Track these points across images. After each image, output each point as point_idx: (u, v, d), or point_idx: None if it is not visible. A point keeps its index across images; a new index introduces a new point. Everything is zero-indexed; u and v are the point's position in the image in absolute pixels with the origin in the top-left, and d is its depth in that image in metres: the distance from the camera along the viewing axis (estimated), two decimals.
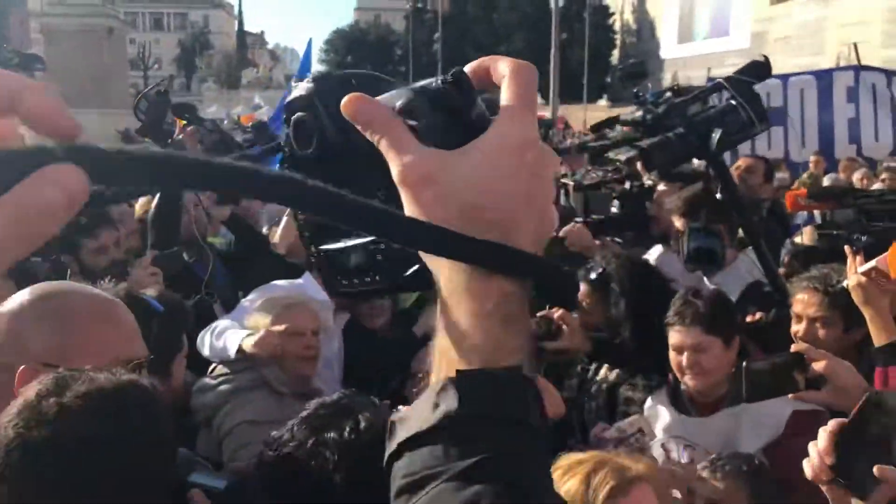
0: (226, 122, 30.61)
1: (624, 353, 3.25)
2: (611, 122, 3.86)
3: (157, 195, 3.90)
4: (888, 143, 8.95)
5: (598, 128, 4.50)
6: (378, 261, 0.77)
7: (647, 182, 4.24)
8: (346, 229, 0.76)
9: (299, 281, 3.53)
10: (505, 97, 0.70)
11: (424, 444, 0.67)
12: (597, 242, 3.82)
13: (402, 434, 0.68)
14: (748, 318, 3.40)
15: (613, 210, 3.79)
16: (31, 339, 1.49)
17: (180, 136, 3.59)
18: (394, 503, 0.69)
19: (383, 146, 0.68)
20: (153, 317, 2.17)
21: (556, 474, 1.69)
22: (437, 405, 0.66)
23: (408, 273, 0.75)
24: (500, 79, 0.71)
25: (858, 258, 2.52)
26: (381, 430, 1.56)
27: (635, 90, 3.53)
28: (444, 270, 0.69)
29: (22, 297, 1.55)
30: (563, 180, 3.95)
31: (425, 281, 0.72)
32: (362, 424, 1.57)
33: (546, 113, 25.81)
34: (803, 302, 2.97)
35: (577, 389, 3.38)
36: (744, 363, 2.27)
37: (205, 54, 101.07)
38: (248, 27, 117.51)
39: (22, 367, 1.42)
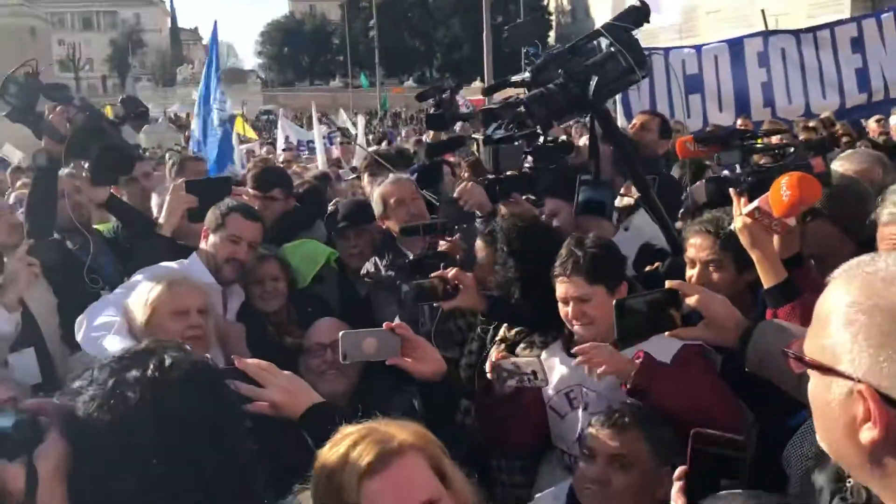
0: (160, 120, 30.15)
1: (520, 311, 3.26)
2: (503, 85, 3.83)
3: (32, 182, 3.81)
4: (800, 104, 9.16)
5: (490, 91, 4.46)
6: None
7: (562, 137, 4.19)
8: None
9: (185, 262, 3.49)
10: None
11: None
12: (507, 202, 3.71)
13: None
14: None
15: (526, 166, 3.74)
16: None
17: (50, 117, 3.50)
18: None
19: None
20: None
21: (325, 448, 1.68)
22: None
23: None
24: None
25: (743, 199, 2.55)
26: (189, 370, 1.58)
27: (525, 49, 3.50)
28: None
29: None
30: (473, 135, 3.88)
31: None
32: (167, 362, 1.56)
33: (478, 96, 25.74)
34: (695, 246, 3.00)
35: (478, 353, 3.42)
36: (615, 300, 2.27)
37: (138, 53, 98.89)
38: (181, 23, 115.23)
39: None
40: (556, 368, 2.98)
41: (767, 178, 2.57)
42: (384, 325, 2.44)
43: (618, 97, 9.00)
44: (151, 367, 1.53)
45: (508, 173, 3.65)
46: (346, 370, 3.01)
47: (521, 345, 3.23)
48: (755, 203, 2.44)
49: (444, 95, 3.62)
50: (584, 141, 5.32)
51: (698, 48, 9.44)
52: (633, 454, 2.44)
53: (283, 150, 13.34)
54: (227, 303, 3.62)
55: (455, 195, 3.72)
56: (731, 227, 2.63)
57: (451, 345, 3.58)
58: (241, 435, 1.70)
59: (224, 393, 1.69)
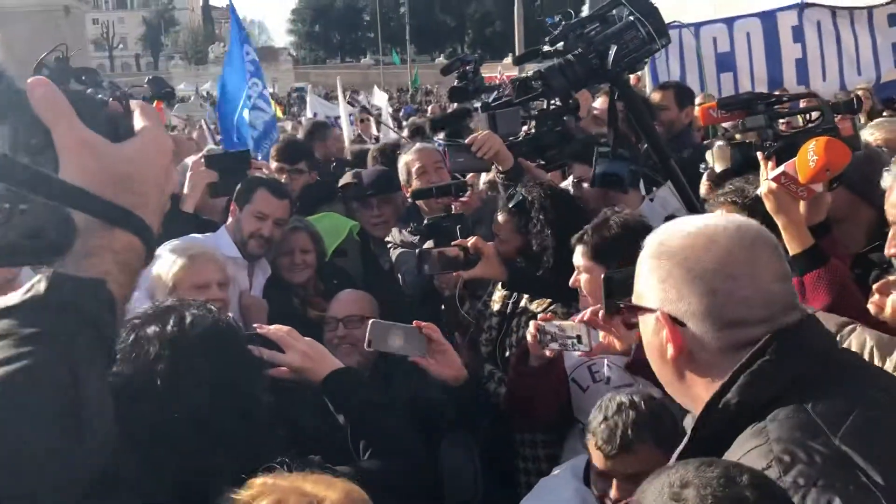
0: (192, 97, 30.35)
1: (543, 282, 3.24)
2: (533, 55, 3.73)
3: None
4: (835, 82, 8.97)
5: (521, 61, 4.37)
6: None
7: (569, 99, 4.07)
8: None
9: (213, 235, 3.54)
10: (143, 122, 1.05)
11: (9, 316, 0.88)
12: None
13: None
14: None
15: (528, 133, 3.60)
16: None
17: None
18: None
19: (53, 121, 0.94)
20: None
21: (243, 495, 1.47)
22: (28, 290, 0.90)
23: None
24: (133, 110, 1.07)
25: (770, 164, 2.51)
26: (211, 328, 1.61)
27: (547, 19, 3.40)
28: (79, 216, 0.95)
29: None
30: (474, 103, 3.80)
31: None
32: (188, 320, 1.60)
33: (514, 72, 25.56)
34: None
35: (497, 328, 3.39)
36: (603, 274, 2.23)
37: (170, 31, 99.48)
38: (213, 1, 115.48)
39: None
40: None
41: (795, 143, 2.51)
42: (414, 322, 2.45)
43: (648, 74, 8.91)
44: (171, 323, 1.58)
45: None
46: (360, 346, 3.03)
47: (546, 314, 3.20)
48: (781, 168, 2.40)
49: (467, 68, 3.56)
50: (599, 103, 5.14)
51: (729, 23, 9.25)
52: (648, 462, 2.23)
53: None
54: (253, 277, 3.66)
55: (467, 141, 3.54)
56: (757, 192, 2.58)
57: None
58: (259, 394, 1.73)
59: (244, 353, 1.74)
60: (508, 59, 35.27)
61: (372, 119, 11.43)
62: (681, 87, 5.89)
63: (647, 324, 1.49)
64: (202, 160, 3.91)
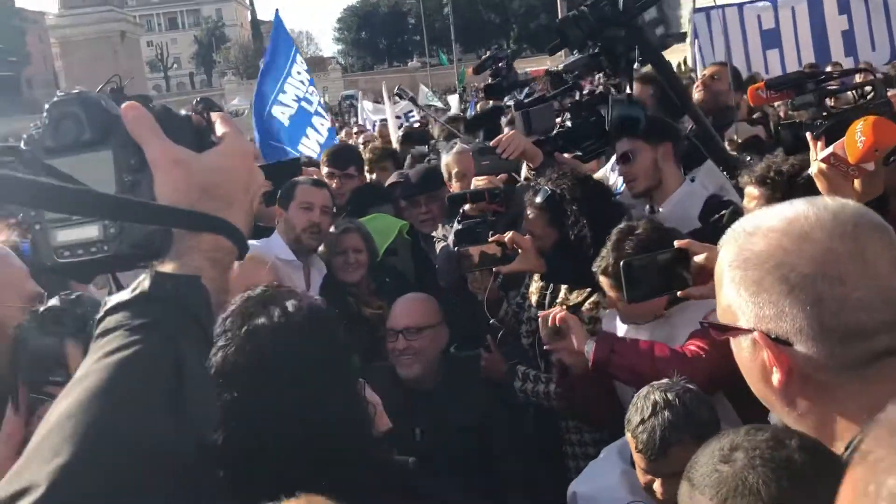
0: (245, 112, 30.98)
1: (581, 273, 3.17)
2: (565, 43, 3.73)
3: None
4: (885, 51, 8.79)
5: (554, 51, 4.33)
6: (110, 233, 1.06)
7: (600, 88, 4.02)
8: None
9: (266, 240, 3.72)
10: (223, 129, 1.15)
11: (120, 310, 1.00)
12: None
13: (109, 304, 1.02)
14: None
15: (563, 125, 3.58)
16: None
17: None
18: (93, 344, 1.00)
19: (145, 140, 1.04)
20: None
21: None
22: (135, 288, 1.01)
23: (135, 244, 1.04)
24: (214, 120, 1.17)
25: (820, 144, 2.46)
26: (308, 313, 1.75)
27: None
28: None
29: None
30: (506, 101, 3.79)
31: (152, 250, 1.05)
32: (290, 308, 1.70)
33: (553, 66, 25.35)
34: (750, 195, 2.92)
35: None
36: (622, 261, 2.28)
37: (221, 48, 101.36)
38: (260, 15, 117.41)
39: None
40: (617, 330, 2.98)
41: (846, 120, 2.45)
42: None
43: (696, 51, 8.86)
44: (277, 314, 1.68)
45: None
46: (420, 356, 3.14)
47: (586, 305, 3.24)
48: (830, 149, 2.36)
49: (500, 65, 3.63)
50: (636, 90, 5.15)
51: (773, 1, 9.16)
52: (688, 459, 2.25)
53: (358, 131, 13.61)
54: (310, 277, 3.82)
55: (492, 143, 3.56)
56: (781, 171, 2.58)
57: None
58: (356, 373, 1.83)
59: (340, 333, 1.82)
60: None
61: (420, 113, 11.53)
62: (737, 71, 5.87)
63: (741, 346, 1.25)
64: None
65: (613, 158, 4.17)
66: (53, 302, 1.46)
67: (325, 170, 5.09)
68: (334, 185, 4.76)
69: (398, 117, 11.95)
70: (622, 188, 3.70)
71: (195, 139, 1.11)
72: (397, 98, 10.59)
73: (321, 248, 3.91)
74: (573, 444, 3.25)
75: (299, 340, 1.67)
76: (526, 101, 3.41)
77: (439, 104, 17.43)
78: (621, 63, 3.25)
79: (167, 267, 1.03)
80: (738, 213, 3.09)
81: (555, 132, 3.53)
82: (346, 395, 1.72)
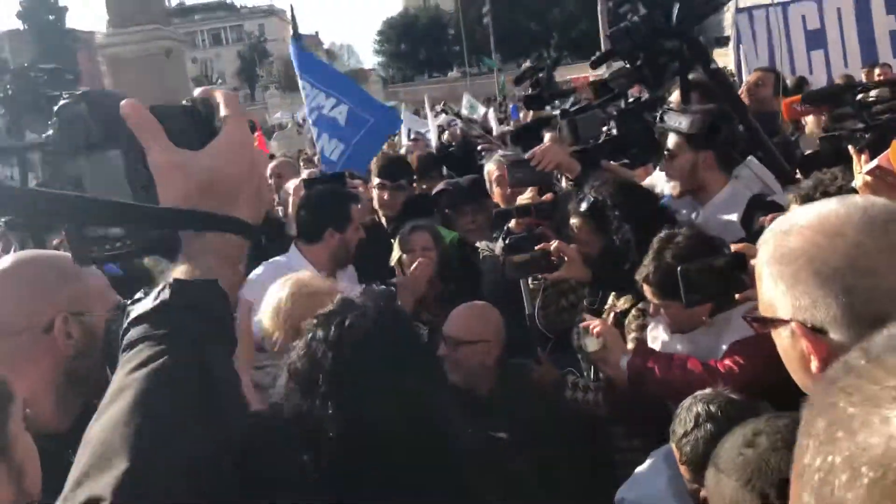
0: (290, 125, 31.36)
1: (628, 278, 3.18)
2: (609, 55, 3.60)
3: None
4: None
5: (597, 63, 4.27)
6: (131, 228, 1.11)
7: (645, 95, 4.05)
8: None
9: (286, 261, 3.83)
10: (224, 112, 1.12)
11: (143, 321, 1.04)
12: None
13: (131, 315, 1.06)
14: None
15: (609, 133, 3.57)
16: (53, 294, 1.68)
17: None
18: (121, 356, 1.04)
19: (147, 143, 1.06)
20: None
21: None
22: (156, 298, 1.05)
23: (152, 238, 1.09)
24: (218, 102, 1.14)
25: (864, 157, 2.46)
26: (377, 318, 1.78)
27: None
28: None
29: (5, 264, 1.75)
30: (552, 111, 3.79)
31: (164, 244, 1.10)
32: (347, 323, 1.70)
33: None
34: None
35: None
36: (679, 266, 2.31)
37: (264, 63, 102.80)
38: (302, 30, 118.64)
39: (58, 316, 1.66)
40: (659, 338, 3.01)
41: (890, 130, 2.45)
42: None
43: (741, 55, 8.77)
44: (333, 328, 1.71)
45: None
46: (460, 366, 3.14)
47: (633, 312, 3.26)
48: (875, 161, 2.36)
49: (540, 75, 3.65)
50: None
51: (819, 1, 9.06)
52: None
53: (412, 140, 13.70)
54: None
55: (527, 156, 3.57)
56: (834, 186, 2.55)
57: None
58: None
59: (415, 332, 1.88)
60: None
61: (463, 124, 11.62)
62: (779, 76, 5.84)
63: (782, 337, 1.35)
64: (302, 184, 4.20)
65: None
66: (139, 296, 1.53)
67: (375, 181, 5.12)
68: (385, 197, 4.81)
69: (440, 126, 12.05)
70: (669, 195, 3.69)
71: (198, 131, 1.10)
72: (439, 110, 10.69)
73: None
74: (623, 451, 3.25)
75: (351, 354, 1.68)
76: (572, 109, 3.40)
77: (481, 112, 17.49)
78: (665, 75, 3.25)
79: (182, 271, 1.06)
80: None
81: (602, 140, 3.52)
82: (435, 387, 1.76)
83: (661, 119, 3.11)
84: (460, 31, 71.20)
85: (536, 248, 3.33)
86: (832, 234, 1.27)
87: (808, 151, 3.64)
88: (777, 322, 1.33)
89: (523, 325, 3.69)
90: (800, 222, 1.32)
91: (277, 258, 3.84)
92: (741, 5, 9.37)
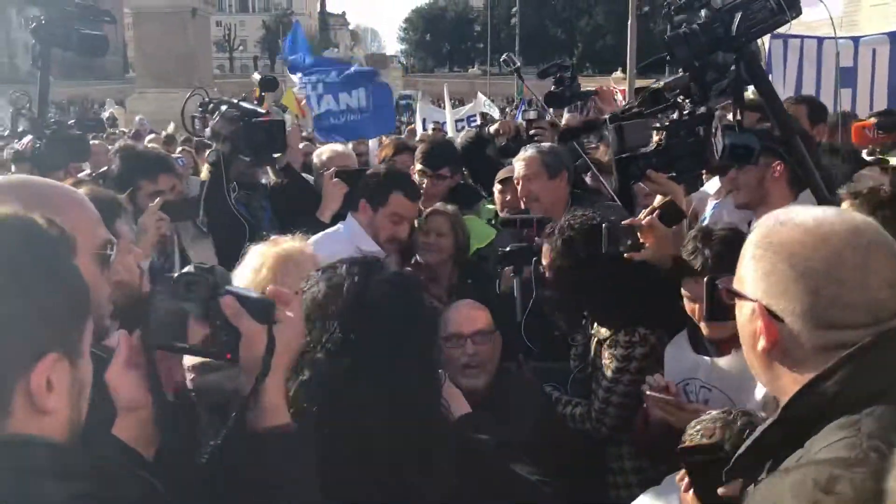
0: (303, 102, 31.29)
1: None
2: (658, 64, 3.67)
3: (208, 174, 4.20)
4: None
5: (645, 69, 4.19)
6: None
7: (701, 108, 3.98)
8: None
9: (343, 231, 3.71)
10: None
11: None
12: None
13: None
14: None
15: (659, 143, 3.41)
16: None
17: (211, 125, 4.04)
18: None
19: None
20: None
21: None
22: None
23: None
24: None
25: None
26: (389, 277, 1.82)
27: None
28: None
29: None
30: (602, 116, 3.72)
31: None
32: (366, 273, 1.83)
33: (623, 86, 25.15)
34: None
35: (582, 357, 3.40)
36: (706, 279, 2.20)
37: (288, 35, 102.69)
38: (329, 8, 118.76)
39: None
40: (680, 360, 2.95)
41: None
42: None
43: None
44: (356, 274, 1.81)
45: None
46: (488, 364, 2.96)
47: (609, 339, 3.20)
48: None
49: (565, 73, 3.61)
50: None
51: (856, 39, 8.98)
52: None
53: (432, 129, 13.64)
54: None
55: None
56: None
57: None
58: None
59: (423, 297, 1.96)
60: (618, 73, 34.88)
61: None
62: (814, 103, 5.62)
63: (743, 309, 1.50)
64: (334, 172, 4.16)
65: (708, 184, 4.10)
66: (189, 268, 1.51)
67: (417, 167, 4.85)
68: (425, 185, 4.58)
69: (459, 120, 11.98)
70: (709, 216, 3.65)
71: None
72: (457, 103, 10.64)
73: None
74: (615, 473, 3.20)
75: (372, 300, 1.78)
76: (622, 114, 3.32)
77: (496, 114, 17.41)
78: (711, 90, 3.18)
79: None
80: None
81: (650, 149, 3.38)
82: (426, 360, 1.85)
83: (716, 133, 3.05)
84: (487, 28, 71.01)
85: (624, 222, 3.19)
86: (820, 238, 1.40)
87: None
88: (743, 297, 1.48)
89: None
90: (796, 219, 1.45)
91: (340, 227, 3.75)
92: (778, 31, 9.28)
